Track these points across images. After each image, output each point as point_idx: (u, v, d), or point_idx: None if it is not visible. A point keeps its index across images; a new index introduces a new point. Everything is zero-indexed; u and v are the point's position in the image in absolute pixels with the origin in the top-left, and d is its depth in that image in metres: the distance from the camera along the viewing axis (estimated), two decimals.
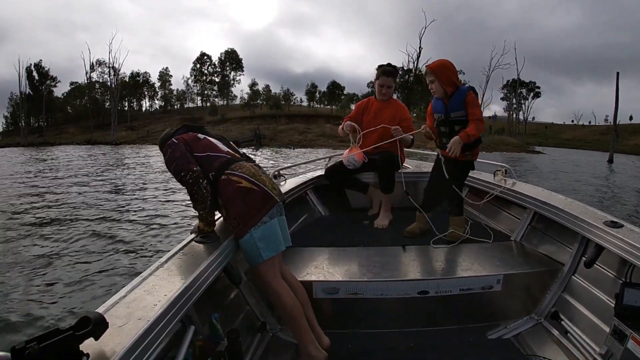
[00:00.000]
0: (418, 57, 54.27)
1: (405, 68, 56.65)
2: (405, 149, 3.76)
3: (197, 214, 2.08)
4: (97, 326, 1.11)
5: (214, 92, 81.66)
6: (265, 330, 2.30)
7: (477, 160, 3.03)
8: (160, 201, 10.16)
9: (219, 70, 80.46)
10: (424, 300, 2.29)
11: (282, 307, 1.97)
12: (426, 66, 2.96)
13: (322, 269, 2.46)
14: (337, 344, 2.16)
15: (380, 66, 3.70)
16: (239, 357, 1.79)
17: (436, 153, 3.16)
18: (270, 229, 1.94)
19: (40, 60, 72.71)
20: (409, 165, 4.13)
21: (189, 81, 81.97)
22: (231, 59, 79.82)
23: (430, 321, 2.37)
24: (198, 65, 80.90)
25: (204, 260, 1.81)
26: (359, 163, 3.43)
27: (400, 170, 3.65)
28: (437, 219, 3.06)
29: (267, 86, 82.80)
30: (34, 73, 71.10)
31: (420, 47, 54.98)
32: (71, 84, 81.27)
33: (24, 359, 0.93)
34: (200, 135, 2.13)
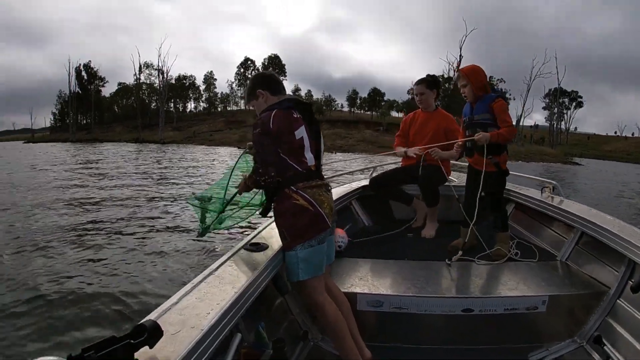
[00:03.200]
0: (458, 65, 52.99)
1: (445, 76, 55.91)
2: (452, 162, 3.70)
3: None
4: (152, 334, 1.11)
5: None
6: (307, 340, 2.30)
7: (524, 175, 2.97)
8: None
9: None
10: (468, 318, 2.25)
11: (325, 320, 1.95)
12: (458, 70, 2.95)
13: (367, 280, 2.44)
14: (378, 357, 2.13)
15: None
16: None
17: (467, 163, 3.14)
18: (315, 254, 1.93)
19: (89, 61, 76.42)
20: (455, 178, 4.05)
21: (233, 85, 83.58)
22: (274, 64, 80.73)
23: (473, 339, 2.31)
24: (242, 70, 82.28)
25: (254, 270, 1.82)
26: (345, 243, 3.11)
27: (446, 184, 3.57)
28: (481, 235, 3.00)
29: (309, 91, 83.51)
30: (83, 73, 74.63)
31: (460, 55, 54.28)
32: (119, 84, 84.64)
33: None
34: (300, 132, 1.98)
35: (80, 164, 23.07)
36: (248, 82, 2.16)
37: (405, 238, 3.42)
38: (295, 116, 1.99)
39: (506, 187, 3.16)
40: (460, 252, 2.86)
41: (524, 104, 57.27)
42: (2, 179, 15.79)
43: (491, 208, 2.97)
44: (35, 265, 5.68)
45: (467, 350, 2.26)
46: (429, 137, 3.56)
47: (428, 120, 3.65)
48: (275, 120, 1.90)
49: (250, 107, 2.15)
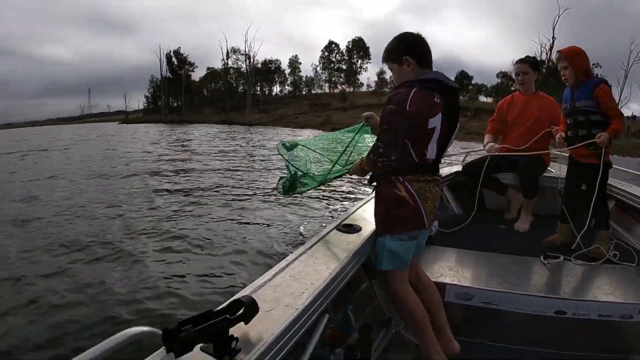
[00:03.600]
0: (551, 48, 49.17)
1: (537, 59, 50.92)
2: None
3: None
4: (248, 310, 1.13)
5: (341, 79, 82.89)
6: (390, 327, 2.27)
7: (628, 170, 2.70)
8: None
9: (347, 58, 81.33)
10: (559, 320, 2.09)
11: (404, 310, 1.91)
12: (559, 51, 2.71)
13: (457, 272, 2.36)
14: (463, 351, 2.07)
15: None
16: (369, 351, 1.77)
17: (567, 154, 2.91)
18: (402, 248, 1.87)
19: (179, 47, 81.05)
20: (553, 169, 3.77)
21: (318, 68, 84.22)
22: (358, 47, 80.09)
23: (563, 344, 2.15)
24: (326, 53, 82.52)
25: (347, 252, 1.82)
26: (435, 230, 2.99)
27: (544, 174, 3.38)
28: (579, 232, 2.78)
29: None
30: (173, 59, 79.40)
31: (553, 37, 50.33)
32: (207, 69, 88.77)
33: (178, 340, 0.94)
34: (434, 121, 1.77)
35: (176, 142, 24.98)
36: (393, 40, 1.89)
37: (497, 230, 3.28)
38: (436, 101, 1.77)
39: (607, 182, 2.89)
40: (556, 248, 2.68)
41: (621, 92, 51.48)
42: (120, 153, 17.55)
43: (593, 203, 2.72)
44: (140, 228, 6.44)
45: (555, 354, 2.12)
46: (530, 122, 3.32)
47: (529, 103, 3.40)
48: (413, 101, 1.69)
49: (388, 69, 1.93)
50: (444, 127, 1.82)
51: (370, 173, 1.97)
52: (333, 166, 2.27)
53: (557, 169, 3.74)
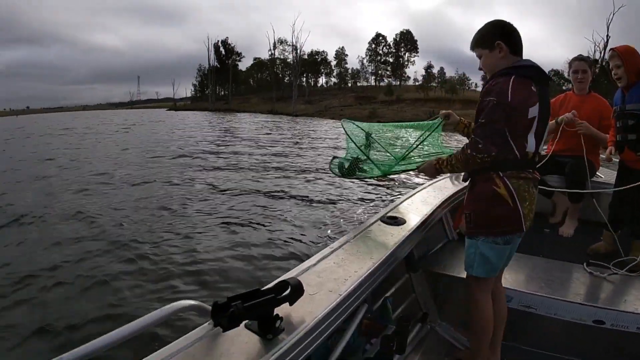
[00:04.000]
0: (605, 46, 45.86)
1: (590, 58, 48.34)
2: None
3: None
4: (294, 292, 1.16)
5: (387, 72, 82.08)
6: (425, 322, 2.25)
7: None
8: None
9: (394, 51, 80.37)
10: (597, 330, 2.00)
11: (477, 320, 1.83)
12: (612, 48, 2.57)
13: None
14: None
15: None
16: (404, 345, 1.78)
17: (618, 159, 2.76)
18: (496, 253, 1.74)
19: (227, 37, 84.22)
20: (602, 174, 3.62)
21: (364, 60, 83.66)
22: (406, 40, 78.98)
23: (598, 356, 2.08)
24: (373, 46, 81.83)
25: (390, 244, 1.83)
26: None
27: (592, 179, 3.21)
28: (625, 241, 2.66)
29: (442, 69, 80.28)
30: (221, 48, 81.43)
31: (607, 35, 47.60)
32: (254, 59, 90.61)
33: (226, 315, 0.98)
34: (533, 111, 1.63)
35: (225, 129, 25.99)
36: (484, 26, 1.79)
37: (541, 233, 3.19)
38: (533, 89, 1.65)
39: None
40: (600, 256, 2.59)
41: None
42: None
43: (633, 212, 2.60)
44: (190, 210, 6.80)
45: None
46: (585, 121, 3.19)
47: (582, 103, 3.25)
48: (514, 91, 1.58)
49: (477, 55, 1.81)
50: (540, 118, 1.68)
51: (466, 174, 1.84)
52: (400, 160, 2.22)
53: (607, 174, 3.60)
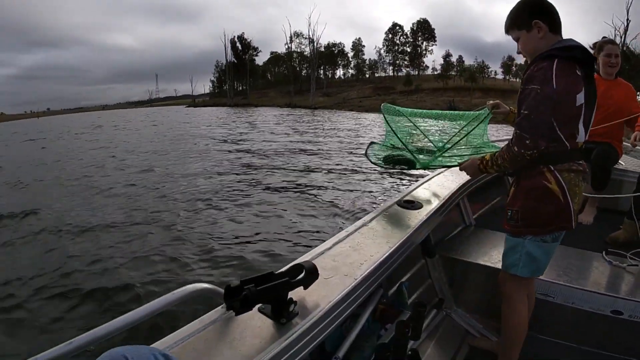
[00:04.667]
0: (625, 31, 43.91)
1: None
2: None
3: None
4: (308, 276, 1.15)
5: (405, 62, 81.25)
6: (441, 308, 2.25)
7: None
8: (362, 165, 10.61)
9: (411, 40, 79.46)
10: (615, 321, 1.96)
11: (510, 319, 1.77)
12: None
13: None
14: None
15: (595, 43, 3.15)
16: (420, 330, 1.77)
17: None
18: (544, 253, 1.65)
19: (243, 32, 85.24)
20: (623, 162, 3.53)
21: (381, 51, 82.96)
22: (423, 29, 77.98)
23: (615, 347, 2.03)
24: (390, 36, 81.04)
25: (407, 228, 1.81)
26: None
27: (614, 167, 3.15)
28: None
29: (460, 57, 79.00)
30: (238, 44, 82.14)
31: (628, 19, 45.77)
32: (271, 53, 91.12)
33: (240, 298, 0.98)
34: (581, 97, 1.50)
35: (245, 122, 26.42)
36: (517, 5, 1.62)
37: None
38: (579, 73, 1.49)
39: None
40: (619, 245, 2.52)
41: None
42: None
43: None
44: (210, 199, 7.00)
45: (607, 356, 2.02)
46: (612, 109, 3.05)
47: (611, 89, 3.11)
48: (559, 76, 1.42)
49: (513, 38, 1.65)
50: (587, 105, 1.54)
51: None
52: (442, 152, 2.16)
53: (628, 162, 3.51)
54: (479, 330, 2.19)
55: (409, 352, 1.73)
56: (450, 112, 2.30)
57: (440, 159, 2.17)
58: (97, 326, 0.84)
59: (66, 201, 7.28)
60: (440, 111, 2.33)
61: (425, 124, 2.36)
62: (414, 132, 2.29)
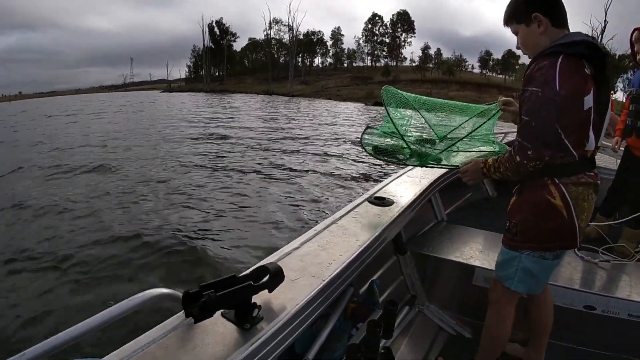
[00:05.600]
0: (603, 31, 45.72)
1: None
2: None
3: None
4: (273, 278, 1.11)
5: (384, 53, 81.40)
6: (413, 305, 2.24)
7: None
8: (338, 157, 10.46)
9: (390, 31, 79.64)
10: (588, 316, 1.98)
11: (488, 333, 1.71)
12: (637, 28, 2.48)
13: (487, 255, 2.25)
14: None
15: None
16: (392, 329, 1.75)
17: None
18: (543, 269, 1.54)
19: (221, 17, 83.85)
20: (597, 158, 3.54)
21: (360, 41, 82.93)
22: (403, 21, 78.17)
23: (587, 341, 2.06)
24: (369, 26, 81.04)
25: (378, 225, 1.78)
26: None
27: None
28: (618, 227, 2.65)
29: (439, 50, 79.59)
30: (215, 29, 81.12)
31: (605, 20, 47.11)
32: (249, 39, 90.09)
33: (199, 305, 0.92)
34: (589, 99, 1.34)
35: (222, 109, 25.64)
36: None
37: None
38: (587, 72, 1.33)
39: None
40: (591, 240, 2.57)
41: None
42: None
43: (632, 199, 2.57)
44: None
45: (580, 351, 2.04)
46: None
47: None
48: (563, 77, 1.27)
49: (512, 32, 1.50)
50: (597, 108, 1.37)
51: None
52: (443, 143, 2.05)
53: (601, 159, 3.55)
54: (452, 326, 2.20)
55: (382, 351, 1.70)
56: (459, 103, 2.16)
57: (439, 156, 2.00)
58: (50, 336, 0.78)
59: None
60: (447, 101, 2.18)
61: (436, 111, 2.17)
62: (414, 120, 2.06)
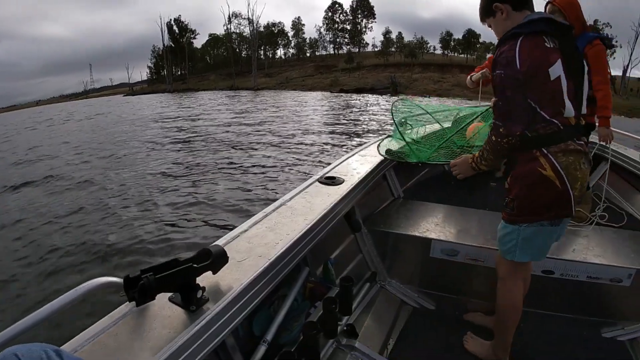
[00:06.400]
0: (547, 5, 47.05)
1: None
2: None
3: None
4: (216, 260, 1.13)
5: (346, 40, 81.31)
6: (374, 281, 2.28)
7: (623, 133, 2.62)
8: (295, 140, 10.57)
9: (351, 18, 79.52)
10: (546, 280, 2.06)
11: (502, 307, 1.75)
12: (550, 2, 2.51)
13: (443, 227, 2.32)
14: (447, 307, 2.11)
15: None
16: (350, 305, 1.79)
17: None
18: (542, 235, 1.58)
19: (179, 15, 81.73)
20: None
21: (322, 29, 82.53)
22: (362, 6, 78.11)
23: (547, 304, 2.15)
24: (330, 14, 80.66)
25: (327, 203, 1.80)
26: None
27: None
28: None
29: (400, 33, 79.92)
30: (174, 27, 78.89)
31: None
32: (209, 35, 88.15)
33: (137, 288, 0.95)
34: (555, 69, 1.41)
35: (184, 108, 25.22)
36: None
37: (487, 187, 3.23)
38: (549, 46, 1.43)
39: (601, 143, 2.82)
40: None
41: (632, 54, 48.28)
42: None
43: None
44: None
45: (539, 314, 2.12)
46: None
47: None
48: (523, 56, 1.38)
49: (487, 26, 1.61)
50: (569, 75, 1.45)
51: (503, 171, 1.67)
52: (438, 147, 2.26)
53: None
54: (415, 299, 2.25)
55: (345, 328, 1.75)
56: (462, 107, 2.53)
57: (435, 154, 2.28)
58: None
59: None
60: (455, 106, 2.54)
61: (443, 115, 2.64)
62: (421, 119, 2.52)
